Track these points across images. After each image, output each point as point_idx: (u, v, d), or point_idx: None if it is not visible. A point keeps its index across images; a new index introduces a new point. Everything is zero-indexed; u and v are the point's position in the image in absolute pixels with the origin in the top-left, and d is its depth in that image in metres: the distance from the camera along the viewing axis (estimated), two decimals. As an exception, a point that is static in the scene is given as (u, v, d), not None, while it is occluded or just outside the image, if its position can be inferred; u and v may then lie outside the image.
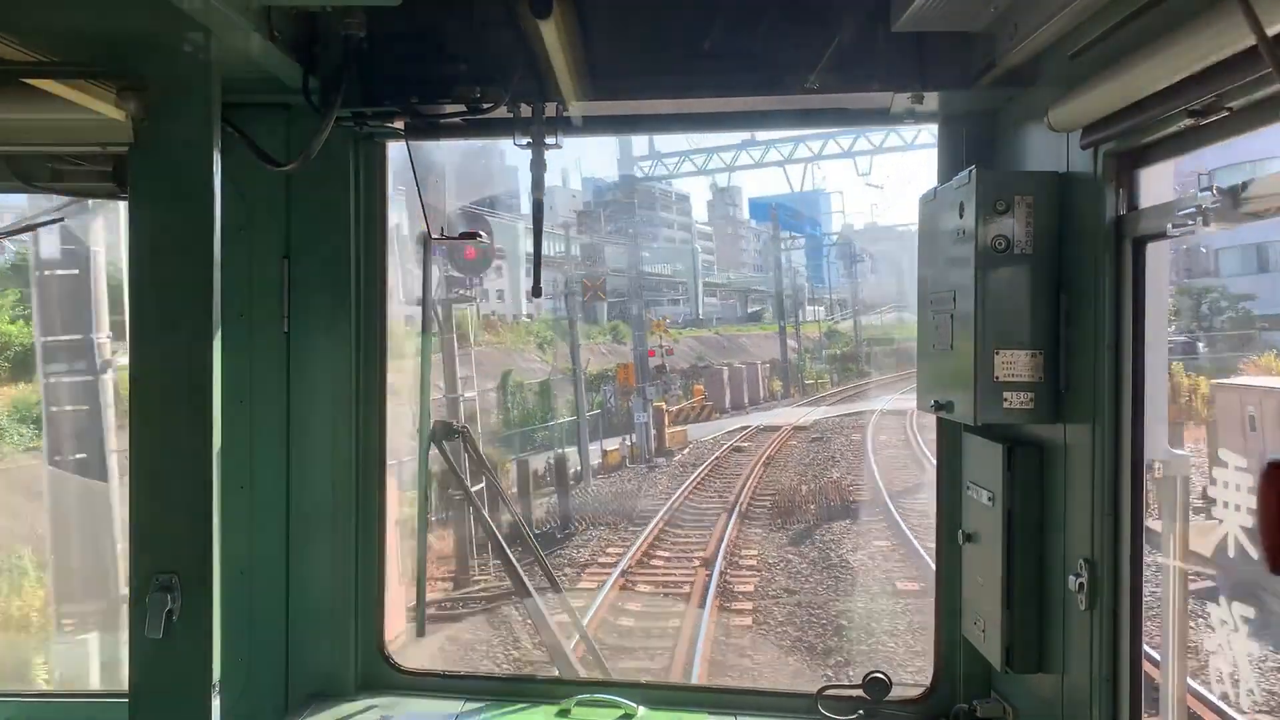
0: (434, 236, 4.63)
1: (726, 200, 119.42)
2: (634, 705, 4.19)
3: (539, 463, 29.33)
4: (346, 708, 4.17)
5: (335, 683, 4.27)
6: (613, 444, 36.44)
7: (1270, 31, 2.01)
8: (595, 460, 33.94)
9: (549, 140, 4.00)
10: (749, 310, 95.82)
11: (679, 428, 41.44)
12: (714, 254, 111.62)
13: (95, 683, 10.72)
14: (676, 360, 59.20)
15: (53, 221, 4.79)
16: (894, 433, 38.16)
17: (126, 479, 3.16)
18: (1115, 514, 2.99)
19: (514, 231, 46.66)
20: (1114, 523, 2.99)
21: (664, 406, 40.07)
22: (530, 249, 4.13)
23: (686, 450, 38.21)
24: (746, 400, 57.56)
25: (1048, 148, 3.34)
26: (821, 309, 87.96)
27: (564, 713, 4.19)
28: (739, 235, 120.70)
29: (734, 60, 3.76)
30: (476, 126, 4.06)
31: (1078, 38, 3.00)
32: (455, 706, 4.26)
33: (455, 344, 21.60)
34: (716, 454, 35.34)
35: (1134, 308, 2.94)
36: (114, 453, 11.51)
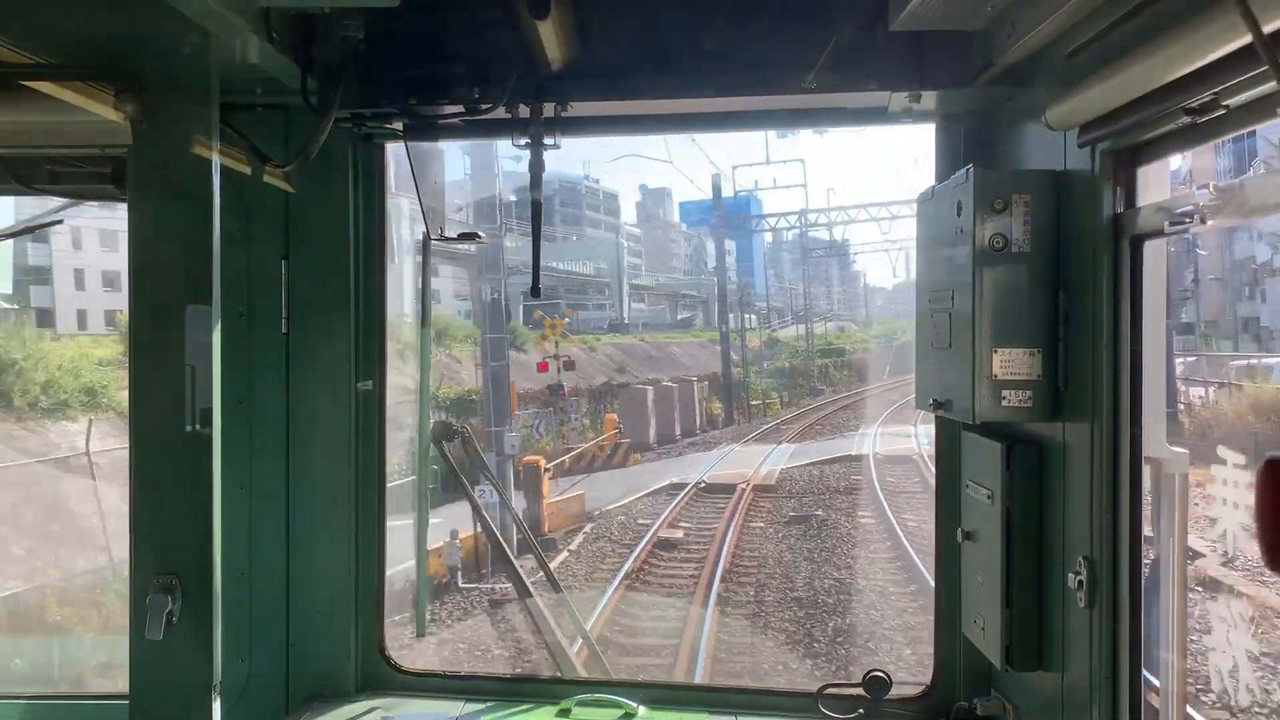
0: (434, 237, 4.63)
1: (656, 201, 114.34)
2: (634, 705, 4.19)
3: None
4: (347, 708, 4.17)
5: (335, 683, 4.27)
6: (448, 533, 18.22)
7: (1267, 30, 2.01)
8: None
9: (547, 141, 4.01)
10: (679, 316, 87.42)
11: (572, 492, 26.44)
12: (642, 256, 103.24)
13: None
14: (590, 372, 46.00)
15: (52, 224, 4.79)
16: (926, 505, 22.31)
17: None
18: (1114, 512, 2.99)
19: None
20: (1113, 520, 2.99)
21: (541, 463, 24.55)
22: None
23: (580, 539, 22.74)
24: (678, 431, 43.51)
25: (1045, 146, 3.34)
26: (754, 317, 76.66)
27: (564, 712, 4.19)
28: (669, 238, 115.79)
29: (732, 60, 3.76)
30: (475, 127, 4.07)
31: (1075, 37, 3.01)
32: (456, 707, 4.26)
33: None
34: (628, 565, 18.98)
35: (1132, 305, 2.95)
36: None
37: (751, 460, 32.53)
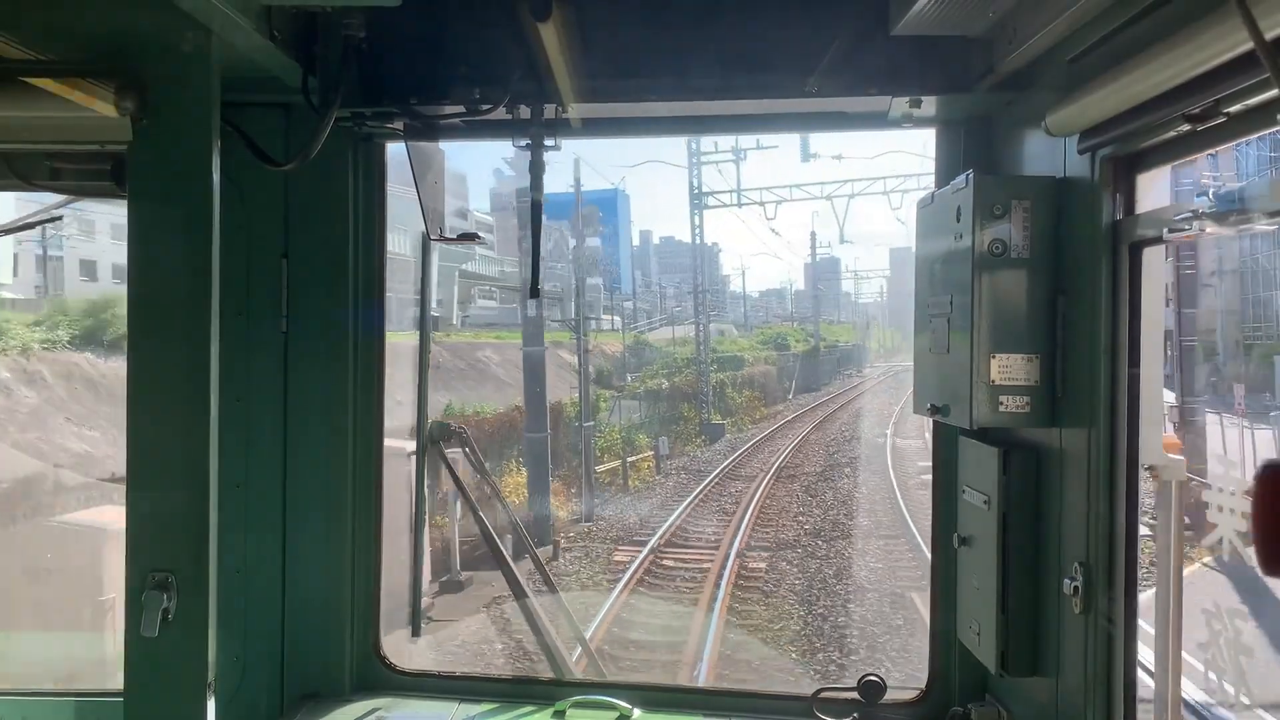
0: (433, 237, 4.63)
1: (512, 189, 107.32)
2: (629, 707, 4.19)
3: None
4: (342, 709, 4.16)
5: (330, 683, 4.26)
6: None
7: (1268, 36, 2.01)
8: None
9: (548, 142, 4.01)
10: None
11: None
12: (494, 247, 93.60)
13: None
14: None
15: (51, 220, 4.79)
16: None
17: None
18: (1110, 518, 2.99)
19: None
20: (1109, 527, 3.00)
21: None
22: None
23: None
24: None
25: (1045, 152, 3.34)
26: (619, 318, 57.66)
27: (559, 714, 4.19)
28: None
29: (733, 63, 3.77)
30: (475, 128, 4.07)
31: (1076, 43, 3.01)
32: (451, 708, 4.26)
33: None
34: None
35: (1130, 312, 2.95)
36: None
37: None
